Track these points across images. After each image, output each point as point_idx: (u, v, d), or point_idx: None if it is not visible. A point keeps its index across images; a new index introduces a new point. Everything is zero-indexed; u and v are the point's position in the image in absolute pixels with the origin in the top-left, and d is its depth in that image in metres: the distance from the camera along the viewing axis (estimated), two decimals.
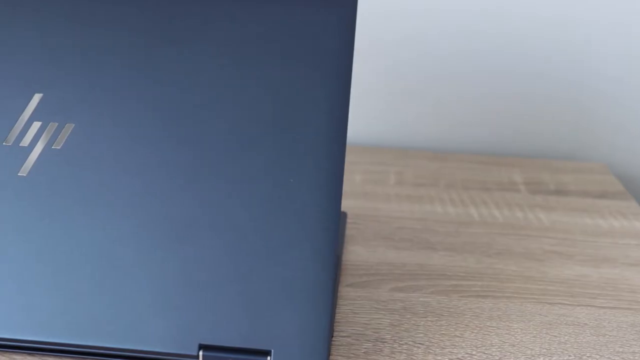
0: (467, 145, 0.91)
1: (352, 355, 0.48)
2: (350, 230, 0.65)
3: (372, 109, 0.90)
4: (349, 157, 0.48)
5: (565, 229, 0.68)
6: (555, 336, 0.51)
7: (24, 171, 0.46)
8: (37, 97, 0.47)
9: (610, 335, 0.52)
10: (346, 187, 0.70)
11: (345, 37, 0.47)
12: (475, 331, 0.51)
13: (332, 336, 0.49)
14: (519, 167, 0.83)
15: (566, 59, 0.87)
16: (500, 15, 0.86)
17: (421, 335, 0.50)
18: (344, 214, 0.65)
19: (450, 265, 0.60)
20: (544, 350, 0.49)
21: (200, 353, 0.42)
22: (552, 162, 0.86)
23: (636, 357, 0.49)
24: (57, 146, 0.46)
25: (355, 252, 0.61)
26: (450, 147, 0.91)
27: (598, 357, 0.49)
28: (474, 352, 0.49)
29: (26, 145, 0.46)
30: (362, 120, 0.89)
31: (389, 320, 0.52)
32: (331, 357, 0.47)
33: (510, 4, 0.85)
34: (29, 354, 0.45)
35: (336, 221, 0.44)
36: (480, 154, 0.89)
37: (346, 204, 0.66)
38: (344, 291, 0.55)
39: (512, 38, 0.87)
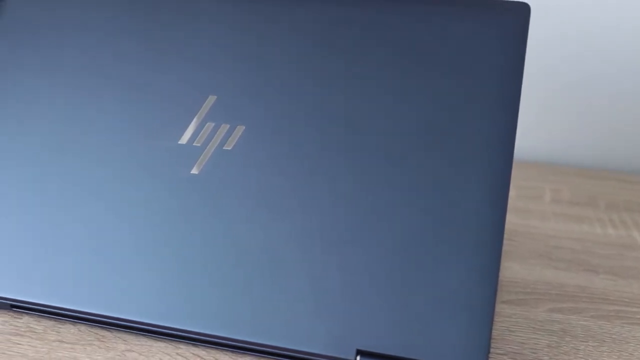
0: (627, 164, 0.86)
1: None
2: (505, 246, 0.63)
3: (524, 121, 0.88)
4: None
5: None
6: None
7: (196, 169, 0.48)
8: (211, 99, 0.49)
9: None
10: None
11: (517, 48, 0.46)
12: None
13: (489, 352, 0.48)
14: None
15: None
16: None
17: None
18: None
19: (613, 290, 0.57)
20: None
21: (358, 358, 0.42)
22: None
23: None
24: (228, 147, 0.48)
25: (511, 269, 0.60)
26: (609, 165, 0.87)
27: None
28: None
29: (199, 145, 0.48)
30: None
31: (546, 342, 0.50)
32: None
33: None
34: (193, 344, 0.47)
35: (501, 235, 0.43)
36: None
37: None
38: (500, 308, 0.54)
39: None
